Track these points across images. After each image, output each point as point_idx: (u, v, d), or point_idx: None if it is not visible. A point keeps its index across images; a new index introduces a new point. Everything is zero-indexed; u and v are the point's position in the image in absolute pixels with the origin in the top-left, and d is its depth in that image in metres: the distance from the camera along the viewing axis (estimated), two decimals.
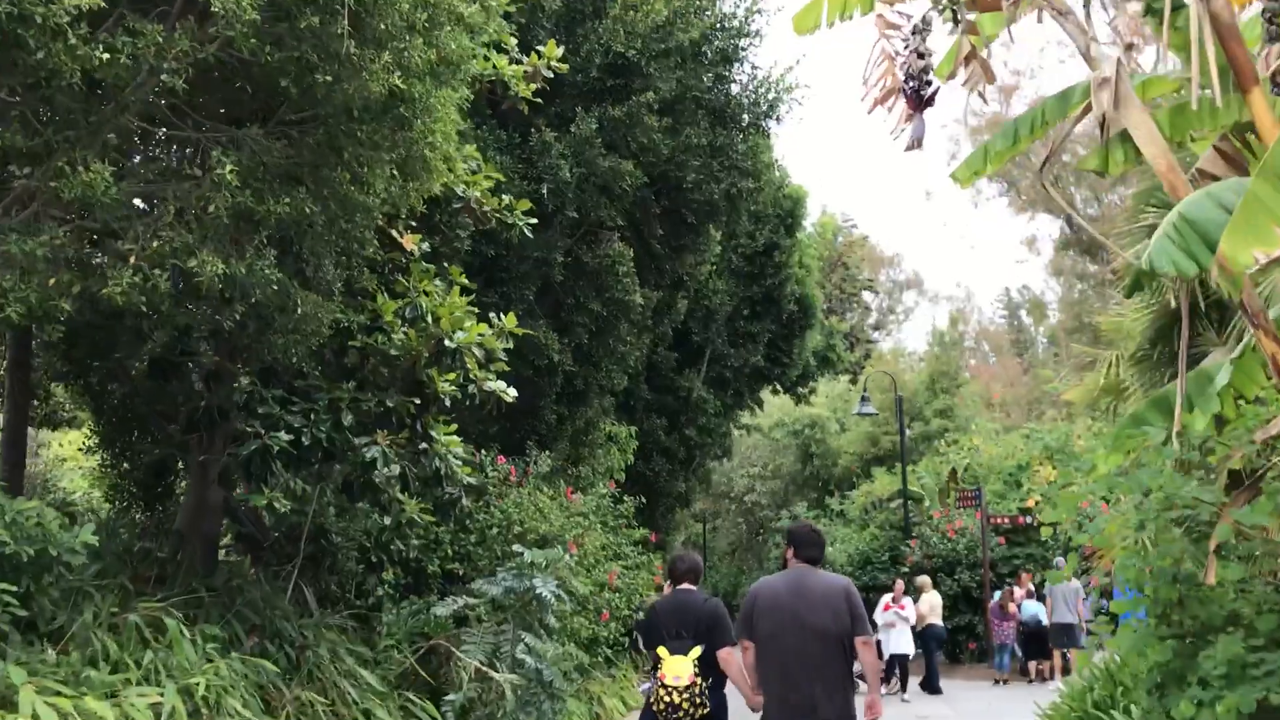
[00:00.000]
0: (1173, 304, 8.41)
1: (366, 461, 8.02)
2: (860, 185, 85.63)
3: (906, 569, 22.36)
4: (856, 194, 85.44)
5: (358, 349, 8.60)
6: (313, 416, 8.14)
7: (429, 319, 8.60)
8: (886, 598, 17.24)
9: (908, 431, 34.21)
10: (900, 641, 16.26)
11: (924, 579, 18.07)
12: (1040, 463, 22.94)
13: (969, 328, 60.58)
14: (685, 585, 6.45)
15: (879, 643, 15.26)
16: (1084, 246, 46.56)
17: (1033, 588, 19.03)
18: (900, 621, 16.38)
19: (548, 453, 13.89)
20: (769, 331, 22.87)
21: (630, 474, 22.27)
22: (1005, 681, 17.97)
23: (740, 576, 40.22)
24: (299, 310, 7.53)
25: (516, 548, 10.36)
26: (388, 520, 9.21)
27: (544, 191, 12.81)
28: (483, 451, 12.97)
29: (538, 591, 10.18)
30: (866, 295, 59.08)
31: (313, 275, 7.62)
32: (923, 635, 17.00)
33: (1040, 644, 18.35)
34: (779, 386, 25.55)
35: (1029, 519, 21.07)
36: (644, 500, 16.68)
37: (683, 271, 15.83)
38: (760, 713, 5.60)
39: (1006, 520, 21.32)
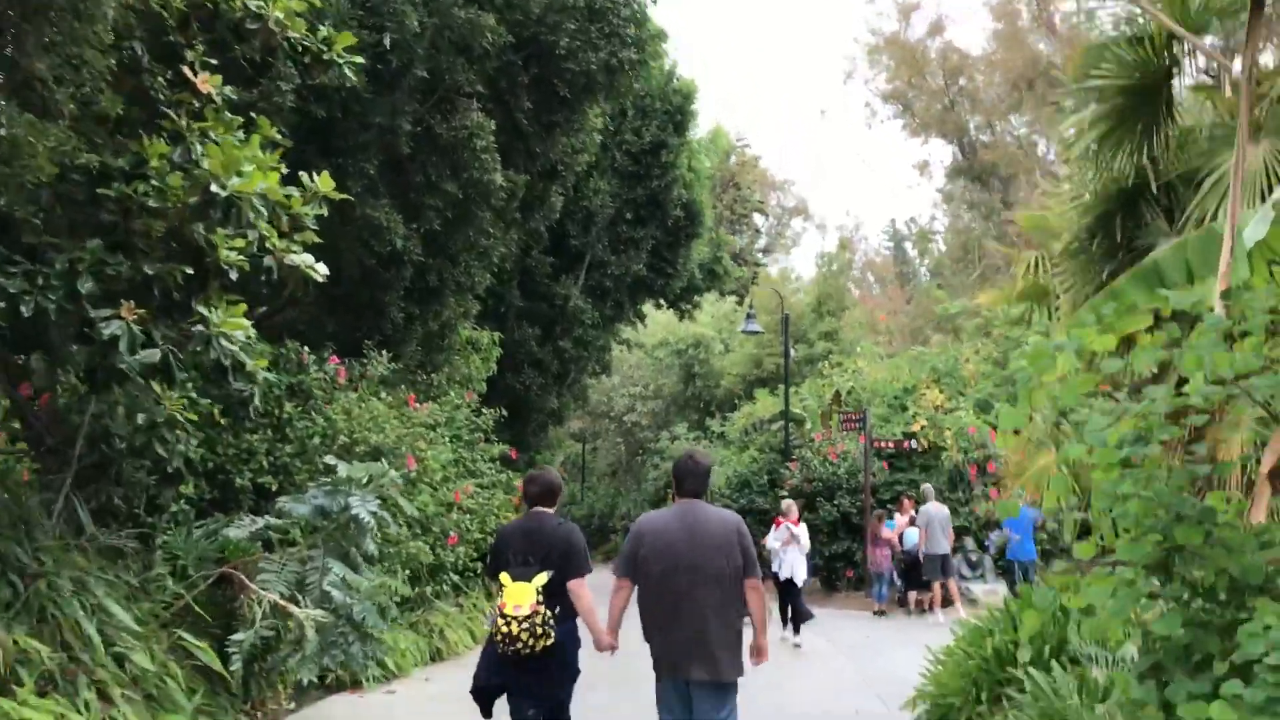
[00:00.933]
0: (1127, 184, 7.04)
1: (105, 340, 6.14)
2: (753, 103, 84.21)
3: (785, 492, 21.29)
4: (749, 113, 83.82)
5: (113, 199, 6.67)
6: (41, 282, 6.22)
7: (203, 163, 6.68)
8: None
9: (792, 353, 33.29)
10: (794, 565, 13.77)
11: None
12: (927, 386, 22.04)
13: (856, 256, 60.18)
14: (539, 508, 5.82)
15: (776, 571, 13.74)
16: (975, 173, 46.04)
17: (914, 514, 18.09)
18: (794, 541, 14.05)
19: (388, 354, 12.06)
20: (653, 238, 21.20)
21: (497, 386, 20.60)
22: (883, 613, 17.06)
23: (618, 498, 39.10)
24: (4, 131, 5.60)
25: (329, 459, 8.63)
26: (142, 419, 7.32)
27: (387, 44, 10.82)
28: (306, 348, 11.10)
29: (354, 512, 8.51)
30: (757, 218, 58.24)
31: (22, 86, 5.66)
32: None
33: (920, 574, 17.53)
34: (662, 300, 24.00)
35: (914, 443, 20.11)
36: (505, 414, 15.02)
37: (555, 157, 13.99)
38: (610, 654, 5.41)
39: (891, 444, 20.33)
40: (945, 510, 16.60)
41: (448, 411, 13.74)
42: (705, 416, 34.92)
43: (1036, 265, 9.01)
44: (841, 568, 20.31)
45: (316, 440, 10.54)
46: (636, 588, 5.23)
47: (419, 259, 12.39)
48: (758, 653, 5.35)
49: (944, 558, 16.06)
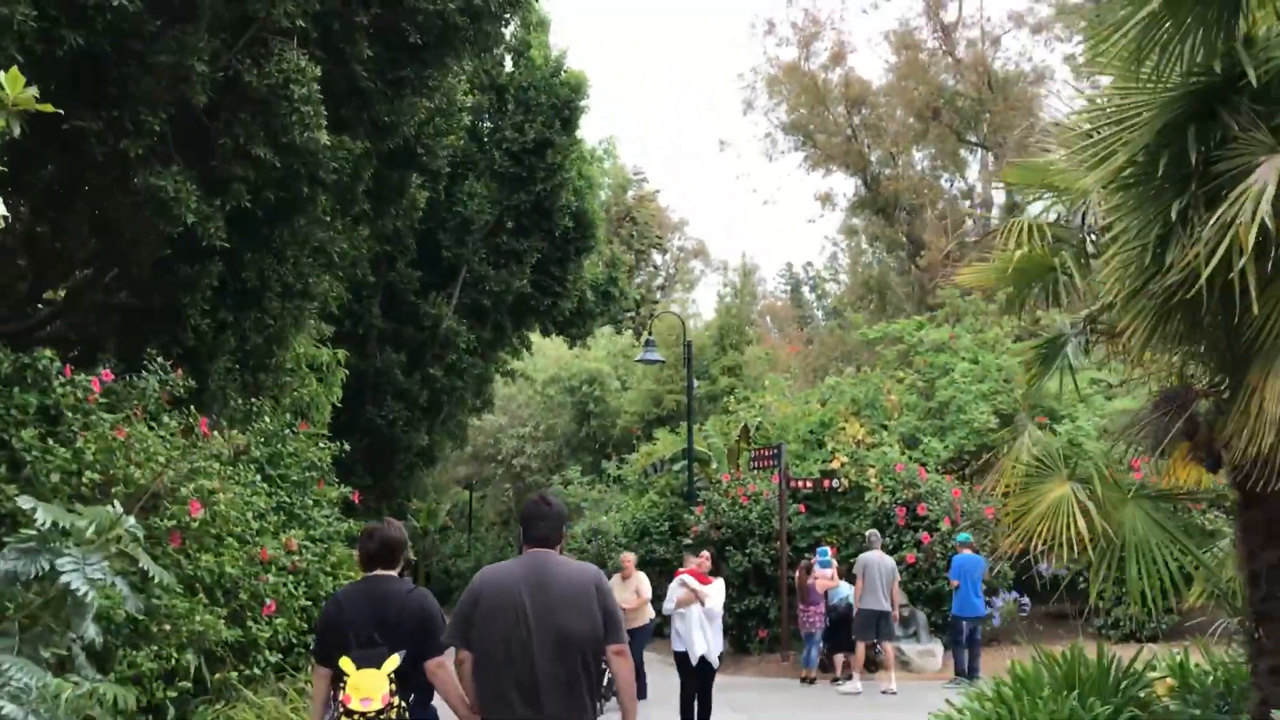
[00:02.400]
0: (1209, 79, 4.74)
1: None
2: (649, 141, 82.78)
3: (690, 540, 18.77)
4: (646, 150, 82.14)
5: None
6: None
7: None
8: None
9: (695, 388, 30.98)
10: (707, 639, 9.71)
11: (627, 555, 12.41)
12: (846, 419, 19.84)
13: (755, 300, 58.82)
14: (380, 571, 4.85)
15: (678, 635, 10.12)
16: (879, 206, 44.75)
17: (835, 563, 15.70)
18: (699, 597, 9.80)
19: (167, 364, 9.18)
20: (538, 251, 18.60)
21: (356, 420, 17.78)
22: (812, 680, 14.60)
23: (507, 550, 36.05)
24: None
25: (23, 500, 5.82)
26: None
27: None
28: (51, 354, 8.20)
29: (65, 581, 5.71)
30: (655, 256, 56.68)
31: None
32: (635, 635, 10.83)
33: (848, 633, 15.18)
34: (550, 325, 21.37)
35: (835, 482, 17.83)
36: (347, 448, 12.18)
37: (409, 130, 11.37)
38: None
39: (809, 484, 18.00)
40: (890, 562, 14.25)
41: (271, 446, 10.89)
42: (601, 459, 32.38)
43: (1033, 232, 6.68)
44: (754, 627, 17.79)
45: (55, 478, 7.64)
46: (473, 657, 4.34)
47: (224, 245, 9.58)
48: None
49: (882, 615, 13.69)
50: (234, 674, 9.34)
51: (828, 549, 15.61)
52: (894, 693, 13.20)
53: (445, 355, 17.91)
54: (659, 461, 26.15)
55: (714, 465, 23.34)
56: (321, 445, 11.92)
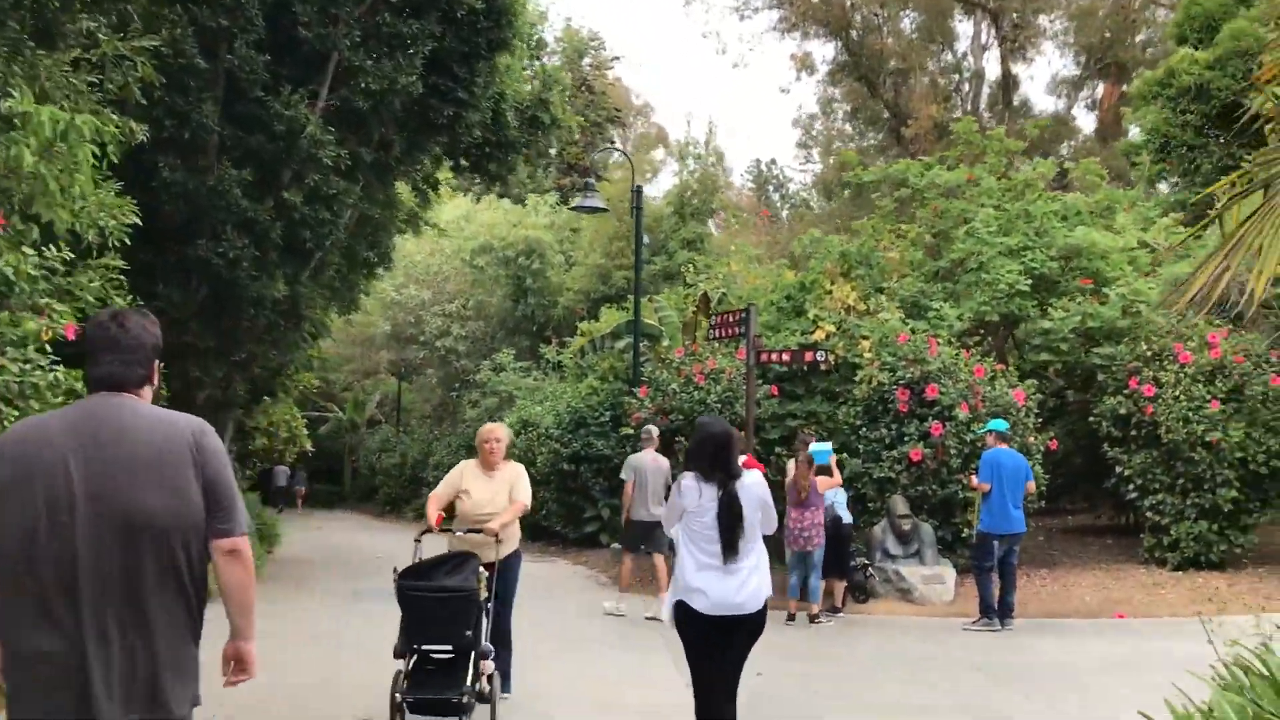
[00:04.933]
0: None
1: None
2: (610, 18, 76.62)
3: (632, 429, 14.57)
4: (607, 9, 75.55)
5: None
6: None
7: None
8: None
9: (649, 264, 26.54)
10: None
11: (493, 427, 7.10)
12: (832, 280, 15.50)
13: (720, 169, 54.57)
14: None
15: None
16: (860, 73, 39.95)
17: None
18: None
19: None
20: (433, 38, 13.75)
21: (185, 259, 13.27)
22: (815, 617, 10.65)
23: (433, 445, 31.70)
24: None
25: None
26: None
27: None
28: None
29: None
30: (613, 134, 51.88)
31: None
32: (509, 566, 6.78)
33: (836, 553, 11.15)
34: (458, 152, 16.61)
35: (819, 357, 13.52)
36: (66, 257, 7.64)
37: None
38: None
39: (785, 358, 13.65)
40: (665, 462, 11.51)
41: None
42: (539, 343, 28.04)
43: None
44: None
45: None
46: None
47: None
48: (238, 662, 3.01)
49: (656, 525, 10.17)
50: None
51: (827, 444, 11.59)
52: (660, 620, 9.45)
53: (307, 175, 13.24)
54: (599, 339, 21.86)
55: (665, 342, 19.08)
56: (28, 250, 7.37)
